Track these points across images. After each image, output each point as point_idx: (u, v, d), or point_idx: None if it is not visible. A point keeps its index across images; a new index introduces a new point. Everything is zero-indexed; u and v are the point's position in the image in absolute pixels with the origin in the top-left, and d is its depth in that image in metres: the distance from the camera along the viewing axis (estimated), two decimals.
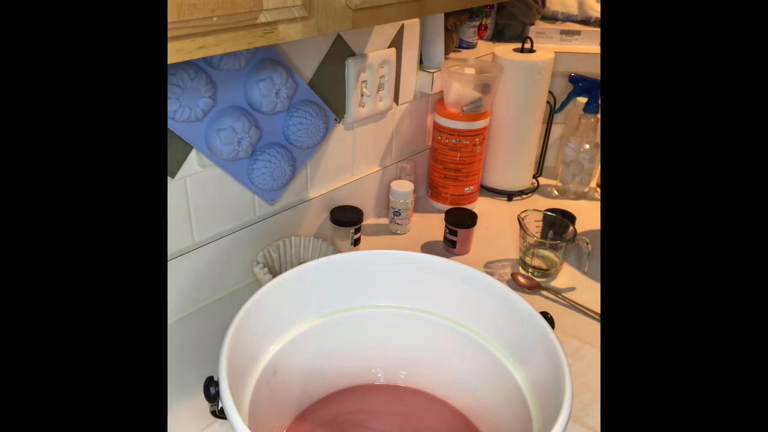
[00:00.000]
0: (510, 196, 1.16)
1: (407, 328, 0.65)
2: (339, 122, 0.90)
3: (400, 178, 1.05)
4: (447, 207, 1.05)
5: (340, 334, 0.64)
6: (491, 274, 0.89)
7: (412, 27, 0.97)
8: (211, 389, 0.46)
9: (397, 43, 0.95)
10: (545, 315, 0.55)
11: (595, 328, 0.80)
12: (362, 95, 0.91)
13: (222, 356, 0.47)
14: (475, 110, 1.01)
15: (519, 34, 1.22)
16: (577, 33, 1.19)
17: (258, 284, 0.83)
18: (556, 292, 0.87)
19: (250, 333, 0.54)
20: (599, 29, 1.20)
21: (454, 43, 1.11)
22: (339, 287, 0.62)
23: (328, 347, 0.63)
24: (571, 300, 0.85)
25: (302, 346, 0.60)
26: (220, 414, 0.46)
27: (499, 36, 1.25)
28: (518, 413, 0.55)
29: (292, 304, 0.59)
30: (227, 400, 0.44)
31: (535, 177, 1.21)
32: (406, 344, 0.65)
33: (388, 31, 0.93)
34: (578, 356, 0.74)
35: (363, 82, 0.90)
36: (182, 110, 0.66)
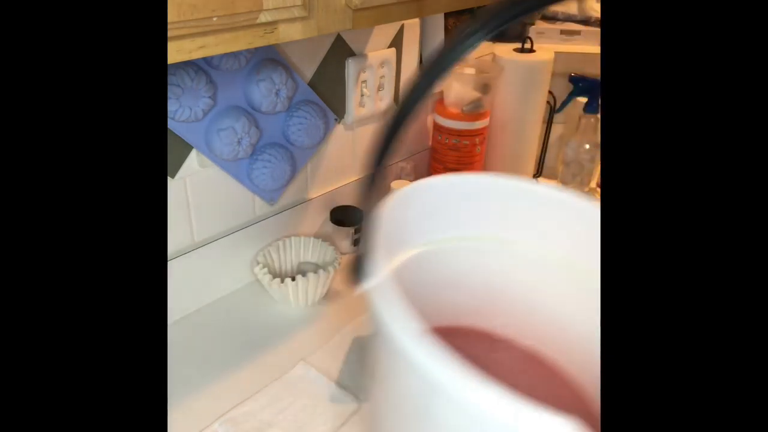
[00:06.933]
0: None
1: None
2: (339, 122, 0.90)
3: (400, 178, 1.05)
4: None
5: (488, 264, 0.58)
6: None
7: (412, 27, 0.97)
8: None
9: (397, 43, 0.95)
10: None
11: None
12: (362, 95, 0.91)
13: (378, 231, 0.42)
14: (475, 110, 1.01)
15: (519, 34, 1.22)
16: (577, 33, 1.19)
17: (258, 284, 0.83)
18: None
19: (396, 225, 0.49)
20: (599, 29, 1.20)
21: None
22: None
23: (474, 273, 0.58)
24: None
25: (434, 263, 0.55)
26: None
27: (499, 36, 1.26)
28: None
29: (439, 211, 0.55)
30: (378, 269, 0.38)
31: (535, 177, 1.21)
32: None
33: (388, 31, 0.93)
34: None
35: (363, 82, 0.90)
36: (182, 110, 0.66)
